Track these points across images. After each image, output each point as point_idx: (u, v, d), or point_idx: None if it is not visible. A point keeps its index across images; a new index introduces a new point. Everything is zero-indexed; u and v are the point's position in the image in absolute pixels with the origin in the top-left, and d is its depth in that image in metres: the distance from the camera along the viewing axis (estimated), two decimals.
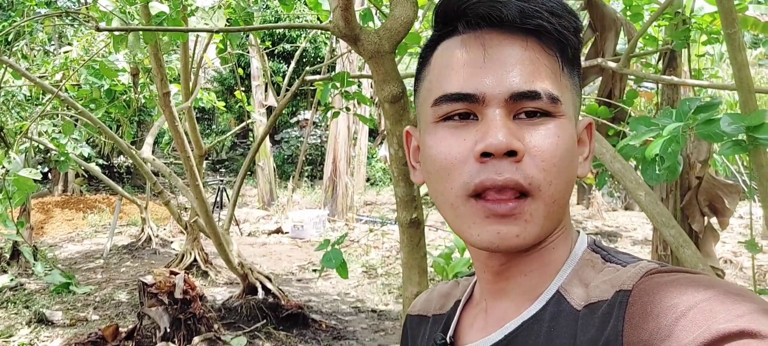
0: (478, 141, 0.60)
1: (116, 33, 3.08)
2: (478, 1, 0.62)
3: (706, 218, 3.23)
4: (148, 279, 4.63)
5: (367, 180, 16.63)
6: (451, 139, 0.63)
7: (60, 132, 7.00)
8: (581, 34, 0.65)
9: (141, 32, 3.01)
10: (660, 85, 3.62)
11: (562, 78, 0.63)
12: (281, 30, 15.36)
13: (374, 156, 16.81)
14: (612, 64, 2.41)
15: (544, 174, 0.60)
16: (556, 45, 0.63)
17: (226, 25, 4.15)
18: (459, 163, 0.62)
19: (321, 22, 4.98)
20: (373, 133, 16.43)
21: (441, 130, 0.64)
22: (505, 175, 0.59)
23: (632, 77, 3.76)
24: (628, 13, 3.36)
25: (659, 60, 3.53)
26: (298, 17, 15.84)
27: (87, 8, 4.14)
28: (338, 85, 3.65)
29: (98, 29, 2.24)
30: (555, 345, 0.60)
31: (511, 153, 0.59)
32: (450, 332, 0.76)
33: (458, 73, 0.63)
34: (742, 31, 1.37)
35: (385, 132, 11.99)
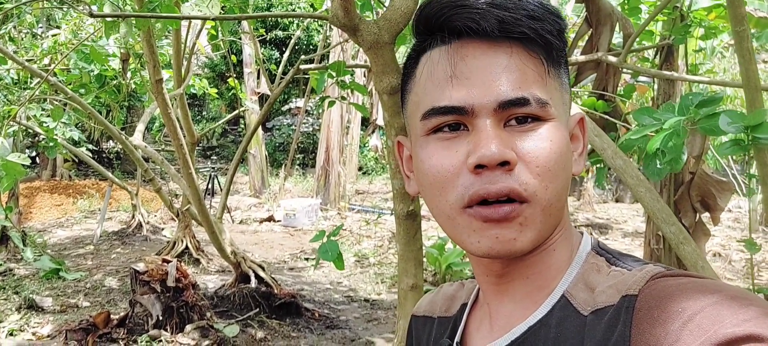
0: (471, 153, 0.60)
1: (108, 19, 3.03)
2: (456, 13, 0.62)
3: (697, 213, 3.25)
4: (140, 267, 4.60)
5: (359, 169, 16.63)
6: (443, 152, 0.63)
7: (49, 116, 6.92)
8: (566, 33, 0.65)
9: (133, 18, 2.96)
10: (655, 79, 3.62)
11: (548, 80, 0.63)
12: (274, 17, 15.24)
13: (366, 145, 16.79)
14: (612, 59, 2.40)
15: (539, 179, 0.60)
16: (541, 49, 0.62)
17: (220, 12, 4.09)
18: (452, 177, 0.62)
19: (315, 9, 4.94)
20: (365, 122, 16.40)
21: (432, 143, 0.64)
22: (499, 184, 0.59)
23: (628, 72, 3.76)
24: (626, 7, 3.35)
25: (656, 55, 3.53)
26: (291, 4, 15.73)
27: None
28: (334, 74, 3.62)
29: (91, 15, 2.20)
30: None
31: (504, 163, 0.59)
32: (457, 338, 0.75)
33: (445, 86, 0.62)
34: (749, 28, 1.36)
35: (376, 121, 11.98)
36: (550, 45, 0.63)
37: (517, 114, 0.61)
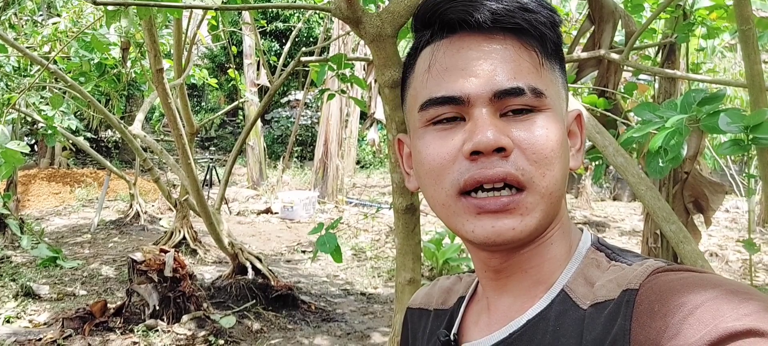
0: (467, 140, 0.61)
1: (109, 7, 3.01)
2: (450, 6, 0.63)
3: (689, 214, 3.25)
4: (138, 256, 4.60)
5: (357, 162, 16.62)
6: (440, 141, 0.64)
7: (47, 104, 6.90)
8: (559, 26, 0.66)
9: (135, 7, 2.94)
10: (656, 78, 3.62)
11: (543, 71, 0.64)
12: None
13: (364, 138, 16.77)
14: (614, 56, 2.40)
15: (536, 166, 0.61)
16: (535, 40, 0.63)
17: (222, 1, 4.07)
18: (448, 163, 0.63)
19: (317, 1, 4.92)
20: (363, 116, 16.38)
21: (429, 133, 0.65)
22: (495, 168, 0.60)
23: (629, 70, 3.76)
24: (629, 4, 3.35)
25: (658, 53, 3.53)
26: None
27: None
28: (334, 67, 3.61)
29: (94, 3, 2.19)
30: (560, 344, 0.60)
31: (500, 149, 0.60)
32: (454, 329, 0.75)
33: (441, 78, 0.64)
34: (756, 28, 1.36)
35: (374, 115, 11.96)
36: (544, 37, 0.64)
37: (513, 105, 0.62)
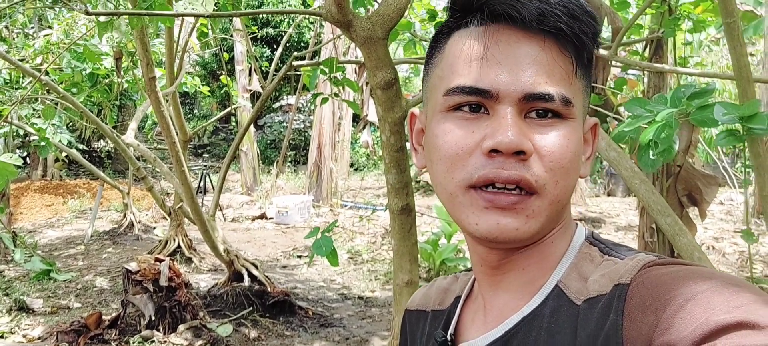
0: (487, 137, 0.60)
1: (101, 20, 3.01)
2: None
3: (684, 208, 3.27)
4: (133, 266, 4.58)
5: (350, 165, 16.61)
6: (460, 131, 0.63)
7: (39, 116, 6.86)
8: (599, 37, 0.65)
9: (126, 17, 2.95)
10: (646, 73, 3.64)
11: (575, 80, 0.63)
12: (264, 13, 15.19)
13: (357, 141, 16.76)
14: (603, 52, 2.42)
15: (551, 174, 0.61)
16: (573, 48, 0.63)
17: (214, 9, 4.08)
18: (464, 155, 0.62)
19: (308, 6, 4.92)
20: (356, 118, 16.38)
21: (450, 120, 0.64)
22: (511, 170, 0.60)
23: (618, 65, 3.78)
24: (614, 1, 3.37)
25: (645, 47, 3.55)
26: (282, 2, 15.68)
27: None
28: (327, 70, 3.61)
29: (86, 13, 2.19)
30: (556, 341, 0.61)
31: (520, 153, 0.59)
32: (450, 330, 0.75)
33: (473, 67, 0.63)
34: (740, 21, 1.38)
35: (367, 117, 11.97)
36: (582, 46, 0.63)
37: (539, 108, 0.62)
